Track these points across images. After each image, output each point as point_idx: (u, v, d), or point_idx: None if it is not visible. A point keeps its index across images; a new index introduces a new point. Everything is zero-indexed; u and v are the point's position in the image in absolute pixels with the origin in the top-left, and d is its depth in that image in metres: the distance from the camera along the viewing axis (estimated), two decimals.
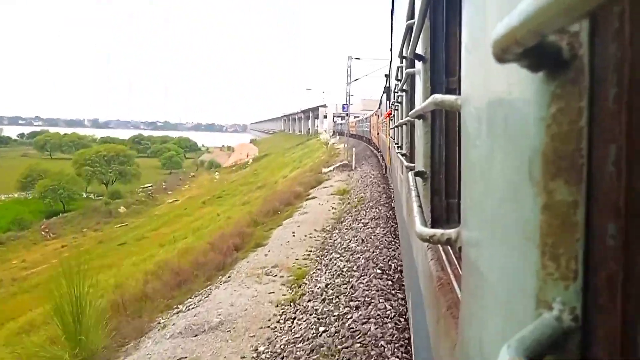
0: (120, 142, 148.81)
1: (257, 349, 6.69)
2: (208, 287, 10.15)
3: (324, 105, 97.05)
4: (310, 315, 7.44)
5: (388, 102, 12.92)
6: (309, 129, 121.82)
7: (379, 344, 5.97)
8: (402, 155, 4.65)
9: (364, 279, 8.49)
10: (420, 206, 2.03)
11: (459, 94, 1.67)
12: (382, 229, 12.19)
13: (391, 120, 9.52)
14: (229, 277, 10.43)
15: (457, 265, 1.69)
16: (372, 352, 5.76)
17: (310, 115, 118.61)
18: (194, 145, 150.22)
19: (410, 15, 2.89)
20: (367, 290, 7.89)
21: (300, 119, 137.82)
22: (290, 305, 8.15)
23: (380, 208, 14.92)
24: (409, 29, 2.91)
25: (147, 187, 79.17)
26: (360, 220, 13.65)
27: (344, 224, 13.75)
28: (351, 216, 14.51)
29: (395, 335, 6.16)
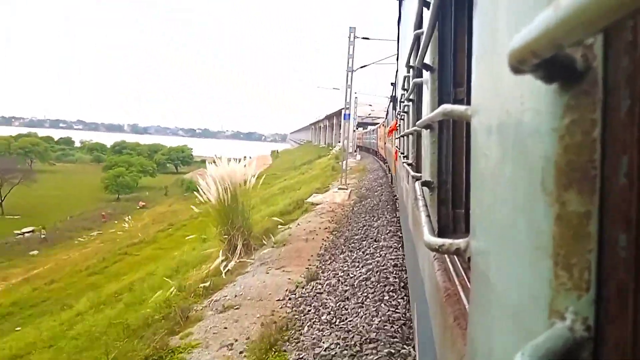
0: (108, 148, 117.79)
1: None
2: None
3: (348, 108, 73.88)
4: None
5: (394, 111, 12.94)
6: (332, 139, 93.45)
7: None
8: (408, 164, 4.66)
9: None
10: (428, 216, 2.03)
11: (467, 104, 1.68)
12: None
13: (397, 130, 9.52)
14: None
15: (465, 276, 1.69)
16: None
17: (335, 121, 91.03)
18: (187, 156, 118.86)
19: (418, 25, 2.91)
20: None
21: (325, 127, 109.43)
22: None
23: None
24: (417, 38, 2.93)
25: (24, 232, 47.40)
26: None
27: None
28: None
29: None
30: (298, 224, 13.93)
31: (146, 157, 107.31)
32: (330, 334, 6.02)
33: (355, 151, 53.86)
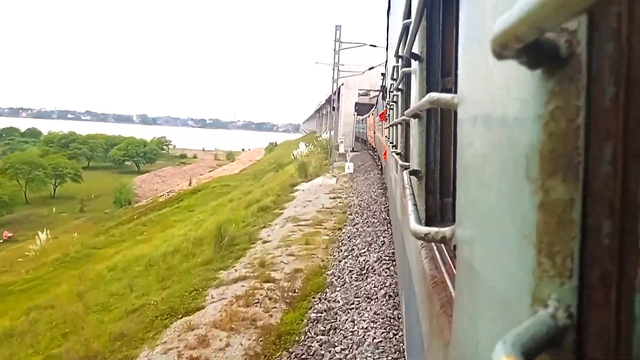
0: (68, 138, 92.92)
1: None
2: None
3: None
4: None
5: (383, 101, 12.95)
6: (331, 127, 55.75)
7: None
8: (397, 154, 4.66)
9: None
10: (415, 204, 2.03)
11: (454, 93, 1.68)
12: None
13: (386, 119, 9.54)
14: None
15: (451, 264, 1.70)
16: None
17: (335, 105, 45.01)
18: (151, 150, 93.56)
19: (407, 15, 2.90)
20: None
21: (326, 114, 72.96)
22: None
23: None
24: (406, 28, 2.92)
25: None
26: None
27: None
28: None
29: None
30: None
31: (101, 152, 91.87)
32: None
33: (348, 151, 32.10)
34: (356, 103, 39.55)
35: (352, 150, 35.91)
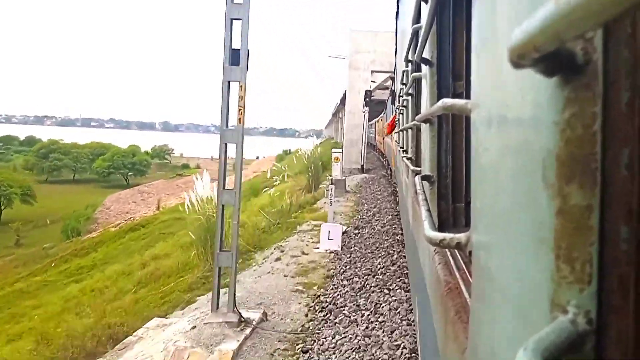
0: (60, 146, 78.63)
1: None
2: None
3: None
4: None
5: (393, 106, 12.95)
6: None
7: None
8: (408, 159, 4.66)
9: None
10: (428, 210, 2.03)
11: (466, 97, 1.68)
12: None
13: (396, 124, 9.53)
14: None
15: (466, 270, 1.69)
16: None
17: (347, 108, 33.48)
18: (140, 161, 79.86)
19: (417, 19, 2.90)
20: None
21: (343, 117, 45.45)
22: None
23: None
24: (415, 33, 2.93)
25: None
26: None
27: None
28: None
29: None
30: None
31: (86, 163, 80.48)
32: None
33: (331, 188, 12.11)
34: (367, 92, 25.36)
35: (362, 169, 25.36)
